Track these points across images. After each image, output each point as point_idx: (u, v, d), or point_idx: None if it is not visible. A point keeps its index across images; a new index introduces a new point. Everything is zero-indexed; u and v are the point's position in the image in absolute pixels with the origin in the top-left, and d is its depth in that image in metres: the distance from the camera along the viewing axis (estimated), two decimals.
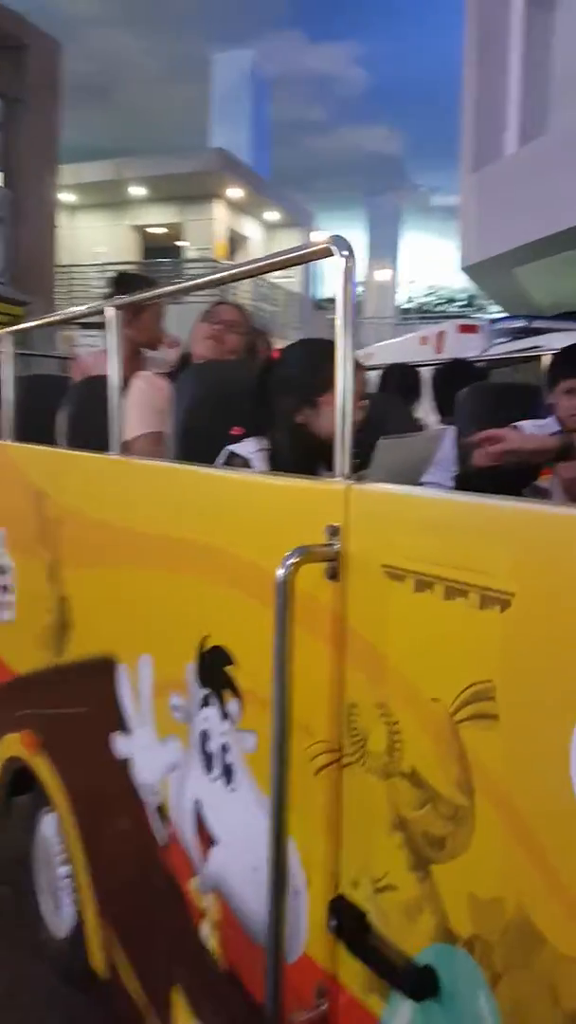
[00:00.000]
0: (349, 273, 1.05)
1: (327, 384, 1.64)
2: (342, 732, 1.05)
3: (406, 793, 0.95)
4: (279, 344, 2.26)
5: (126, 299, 1.76)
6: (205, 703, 1.39)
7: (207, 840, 1.41)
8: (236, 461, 1.64)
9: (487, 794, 0.84)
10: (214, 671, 1.35)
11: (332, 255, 1.07)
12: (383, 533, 0.98)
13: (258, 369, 1.75)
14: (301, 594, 1.03)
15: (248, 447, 1.65)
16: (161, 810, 1.58)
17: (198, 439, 1.74)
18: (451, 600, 0.87)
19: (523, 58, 5.73)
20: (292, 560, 1.01)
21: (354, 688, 1.03)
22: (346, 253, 1.05)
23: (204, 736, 1.40)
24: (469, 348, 4.94)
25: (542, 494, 2.28)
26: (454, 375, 3.39)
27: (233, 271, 1.43)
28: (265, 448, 1.66)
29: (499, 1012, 0.84)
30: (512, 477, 2.07)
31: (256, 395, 1.70)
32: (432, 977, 0.92)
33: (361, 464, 1.73)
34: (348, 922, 1.04)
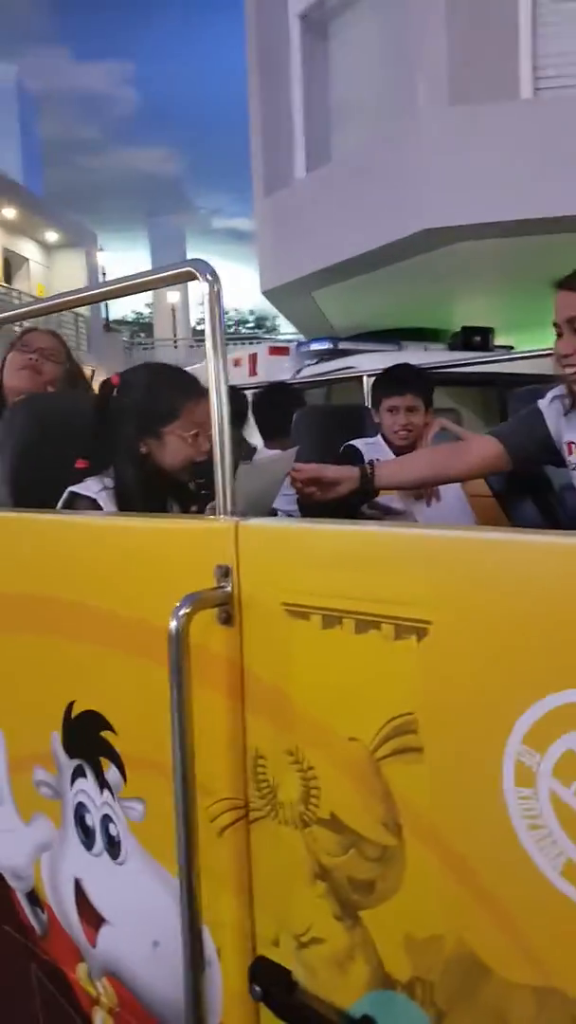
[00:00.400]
0: (216, 297, 1.02)
1: (172, 413, 1.59)
2: (247, 786, 1.00)
3: (326, 840, 0.91)
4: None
5: None
6: (78, 774, 1.28)
7: (94, 921, 1.29)
8: (80, 503, 1.54)
9: (416, 831, 0.82)
10: (86, 738, 1.25)
11: (195, 279, 1.03)
12: (280, 570, 0.94)
13: (95, 396, 1.65)
14: (192, 643, 0.97)
15: (91, 486, 1.55)
16: (33, 896, 1.43)
17: (34, 482, 1.61)
18: (363, 634, 0.85)
19: (304, 86, 5.98)
20: (184, 609, 0.94)
21: (258, 738, 0.98)
22: (210, 277, 1.02)
23: (80, 810, 1.28)
24: (281, 370, 5.03)
25: (383, 509, 2.35)
26: (274, 398, 3.44)
27: (81, 295, 1.34)
28: (108, 487, 1.56)
29: None
30: (349, 498, 2.10)
31: (95, 425, 1.60)
32: None
33: (209, 496, 1.69)
34: (272, 985, 0.98)
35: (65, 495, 1.55)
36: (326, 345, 4.64)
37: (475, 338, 4.62)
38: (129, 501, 1.55)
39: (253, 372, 5.20)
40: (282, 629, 0.93)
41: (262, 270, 6.35)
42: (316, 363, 4.94)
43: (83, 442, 1.64)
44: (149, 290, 1.15)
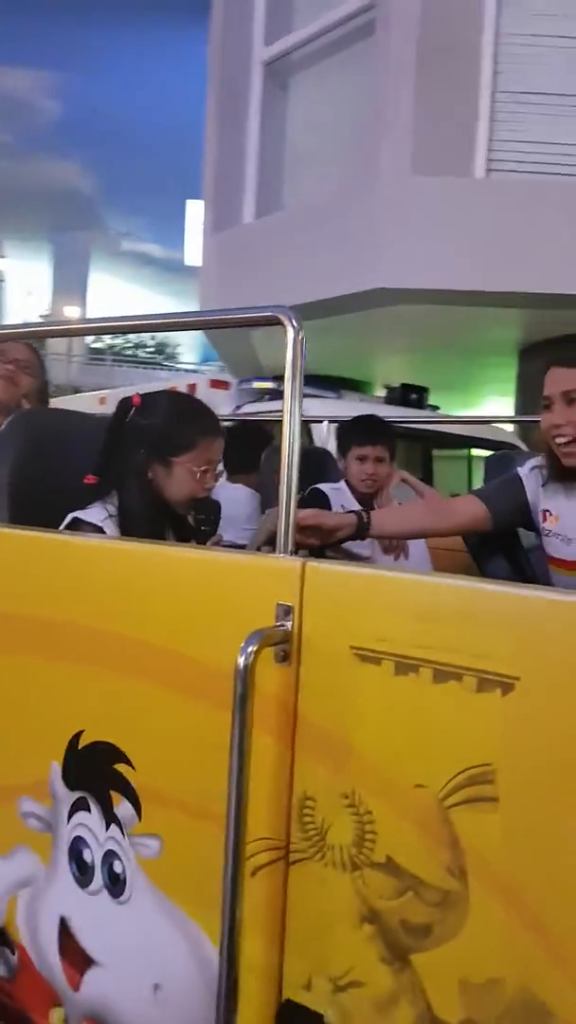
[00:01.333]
0: (300, 344, 1.05)
1: (188, 446, 1.59)
2: (291, 827, 1.00)
3: (379, 884, 0.93)
4: None
5: None
6: (79, 807, 1.24)
7: (80, 963, 1.24)
8: (84, 529, 1.51)
9: (483, 877, 0.85)
10: (95, 770, 1.21)
11: (280, 324, 1.06)
12: (350, 614, 0.96)
13: (112, 414, 1.63)
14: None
15: (96, 513, 1.52)
16: (1, 935, 1.36)
17: (32, 498, 1.57)
18: (442, 683, 0.88)
19: (260, 132, 6.12)
20: (252, 646, 0.95)
21: (308, 780, 0.99)
22: (296, 324, 1.05)
23: (78, 844, 1.24)
24: (220, 405, 5.05)
25: (345, 553, 2.40)
26: (243, 433, 3.49)
27: (146, 322, 1.34)
28: (112, 514, 1.54)
29: None
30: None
31: (108, 442, 1.58)
32: None
33: (209, 532, 1.69)
34: None
35: (68, 519, 1.51)
36: (268, 384, 4.70)
37: (412, 395, 4.81)
38: (132, 525, 1.54)
39: None
40: (347, 672, 0.95)
41: (203, 303, 6.40)
42: (255, 401, 5.00)
43: (82, 460, 1.61)
44: (227, 327, 1.16)
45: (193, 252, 25.58)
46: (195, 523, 1.62)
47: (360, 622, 0.96)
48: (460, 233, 4.80)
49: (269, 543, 1.74)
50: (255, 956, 1.02)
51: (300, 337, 1.07)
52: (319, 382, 5.37)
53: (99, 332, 1.47)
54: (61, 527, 1.51)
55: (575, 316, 5.43)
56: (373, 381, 9.37)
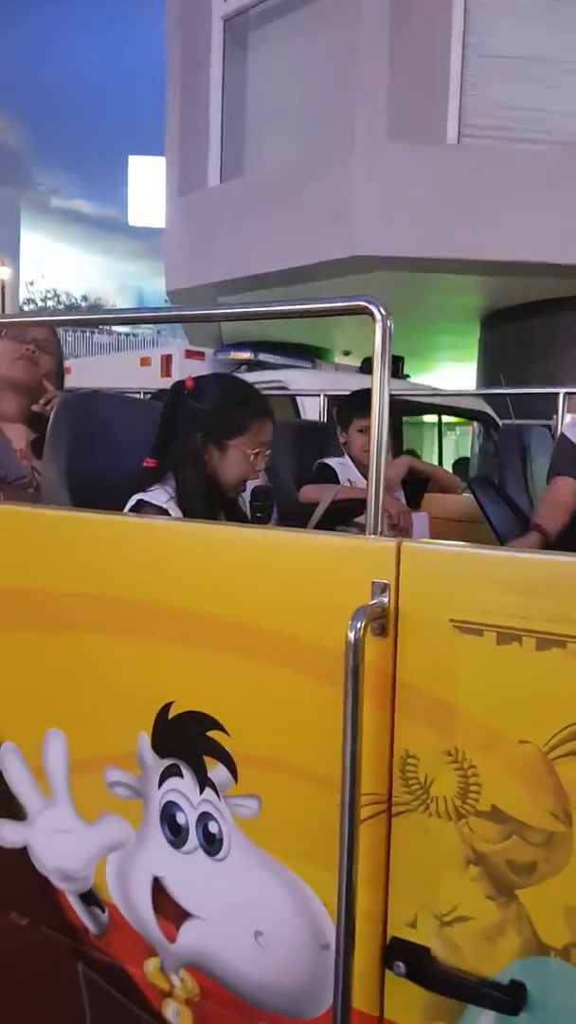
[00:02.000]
0: (388, 333, 1.12)
1: (241, 428, 1.64)
2: (393, 783, 1.10)
3: (484, 830, 1.03)
4: None
5: None
6: (170, 774, 1.32)
7: (175, 916, 1.34)
8: (148, 510, 1.57)
9: None
10: (187, 738, 1.29)
11: (369, 314, 1.13)
12: (447, 590, 1.05)
13: (167, 397, 1.68)
14: (339, 652, 1.05)
15: (159, 496, 1.58)
16: (90, 896, 1.44)
17: (91, 486, 1.61)
18: (545, 651, 0.98)
19: (222, 93, 6.04)
20: (360, 622, 1.03)
21: (410, 740, 1.09)
22: (383, 313, 1.12)
23: (170, 808, 1.32)
24: (195, 375, 5.06)
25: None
26: None
27: (238, 311, 1.39)
28: (173, 496, 1.60)
29: None
30: (336, 516, 2.24)
31: (163, 425, 1.63)
32: (521, 989, 1.01)
33: (264, 519, 1.76)
34: (411, 959, 1.09)
35: (133, 501, 1.57)
36: (246, 354, 4.72)
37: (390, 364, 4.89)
38: (190, 507, 1.60)
39: (167, 374, 5.18)
40: (448, 643, 1.05)
41: (168, 269, 6.34)
42: (232, 372, 5.02)
43: (130, 443, 1.66)
44: (321, 316, 1.21)
45: (137, 211, 25.02)
46: (251, 509, 1.69)
47: (459, 597, 1.05)
48: (435, 200, 4.86)
49: (329, 521, 1.82)
50: (361, 899, 1.13)
51: (389, 325, 1.14)
52: (280, 350, 5.41)
53: (173, 320, 1.50)
54: (126, 509, 1.56)
55: (539, 284, 5.58)
56: (332, 348, 9.43)
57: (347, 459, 2.72)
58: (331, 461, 2.67)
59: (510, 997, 1.01)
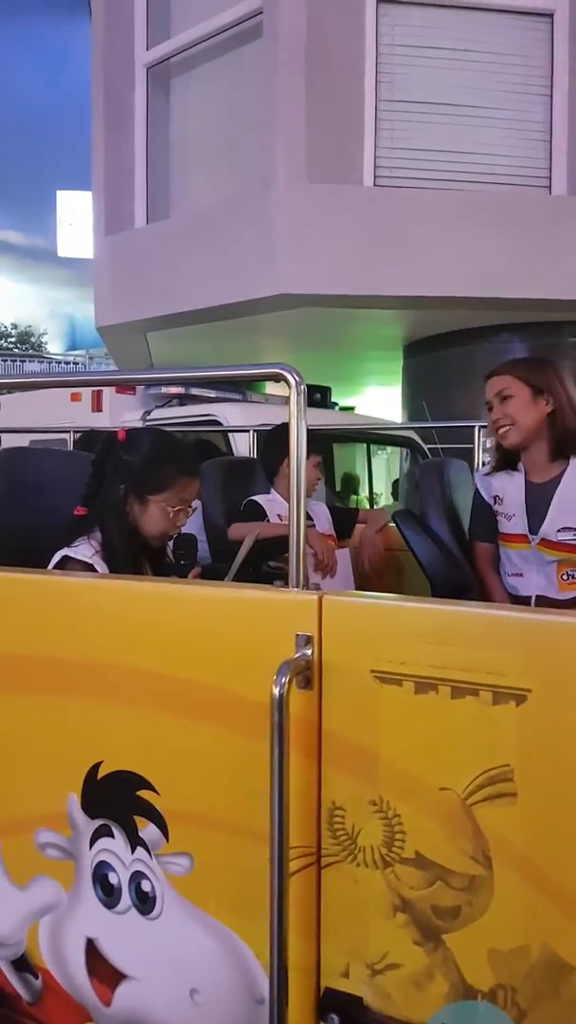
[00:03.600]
0: (301, 398, 1.16)
1: (163, 486, 1.66)
2: (321, 835, 1.12)
3: (409, 877, 1.06)
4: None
5: None
6: (101, 834, 1.31)
7: (110, 978, 1.32)
8: (73, 566, 1.56)
9: (505, 861, 1.00)
10: (116, 798, 1.29)
11: (283, 380, 1.17)
12: (368, 641, 1.09)
13: (99, 448, 1.69)
14: (265, 704, 1.07)
15: (84, 551, 1.58)
16: (22, 962, 1.41)
17: (13, 539, 1.60)
18: (460, 699, 1.02)
19: (147, 137, 6.09)
20: (284, 677, 1.06)
21: (336, 790, 1.11)
22: (297, 379, 1.16)
23: (102, 869, 1.31)
24: (127, 409, 5.05)
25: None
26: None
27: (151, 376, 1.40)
28: (99, 550, 1.60)
29: None
30: (265, 552, 2.28)
31: (93, 474, 1.64)
32: None
33: (188, 566, 1.78)
34: (345, 1010, 1.10)
35: (57, 558, 1.56)
36: (177, 388, 4.74)
37: (316, 395, 4.99)
38: (113, 558, 1.60)
39: (97, 408, 5.16)
40: (369, 693, 1.08)
41: (98, 306, 6.33)
42: (163, 405, 5.02)
43: (60, 495, 1.66)
44: (234, 380, 1.23)
45: (66, 243, 24.96)
46: (174, 558, 1.70)
47: (379, 647, 1.09)
48: (354, 239, 4.99)
49: (248, 565, 1.84)
50: (293, 952, 1.14)
51: (302, 390, 1.18)
52: (213, 384, 5.44)
53: (105, 384, 1.50)
54: (51, 565, 1.56)
55: (455, 316, 5.79)
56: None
57: (275, 495, 2.75)
58: (259, 499, 2.71)
59: None
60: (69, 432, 4.42)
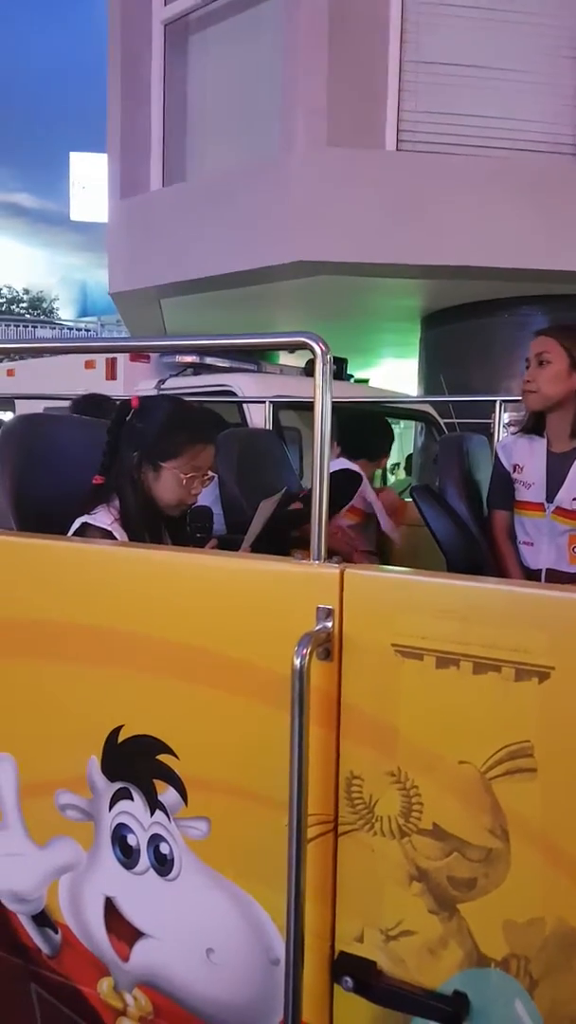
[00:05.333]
0: (327, 367, 1.15)
1: (175, 452, 1.65)
2: (339, 804, 1.13)
3: (426, 847, 1.08)
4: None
5: None
6: (120, 797, 1.33)
7: (128, 936, 1.35)
8: (93, 533, 1.57)
9: (523, 835, 1.01)
10: (137, 762, 1.31)
11: (309, 348, 1.16)
12: (390, 615, 1.09)
13: (113, 416, 1.68)
14: (285, 675, 1.08)
15: (103, 518, 1.58)
16: (42, 917, 1.45)
17: (36, 507, 1.61)
18: (482, 675, 1.02)
19: (164, 97, 5.99)
20: (306, 648, 1.06)
21: (355, 761, 1.12)
22: (324, 348, 1.15)
23: (121, 831, 1.34)
24: (141, 378, 5.03)
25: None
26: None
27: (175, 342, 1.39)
28: (117, 517, 1.61)
29: (539, 1010, 1.02)
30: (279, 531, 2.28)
31: (109, 442, 1.64)
32: (464, 999, 1.06)
33: (205, 539, 1.78)
34: (358, 973, 1.13)
35: (77, 524, 1.57)
36: (191, 357, 4.71)
37: (333, 367, 4.94)
38: (131, 527, 1.61)
39: (111, 377, 5.14)
40: (390, 666, 1.09)
41: (112, 272, 6.27)
42: (177, 374, 5.00)
43: (79, 463, 1.66)
44: (261, 349, 1.22)
45: (79, 207, 24.67)
46: (191, 531, 1.71)
47: (400, 622, 1.09)
48: (374, 205, 4.92)
49: (265, 538, 1.85)
50: (309, 916, 1.16)
51: (329, 359, 1.17)
52: (228, 353, 5.39)
53: (125, 351, 1.49)
54: (70, 532, 1.56)
55: (475, 287, 5.71)
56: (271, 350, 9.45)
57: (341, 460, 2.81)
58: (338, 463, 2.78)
59: (453, 1008, 1.06)
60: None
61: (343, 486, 2.84)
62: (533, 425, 2.32)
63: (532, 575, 2.27)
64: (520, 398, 2.28)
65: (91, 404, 3.26)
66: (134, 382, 4.98)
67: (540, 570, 2.28)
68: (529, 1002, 1.02)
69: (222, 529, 2.71)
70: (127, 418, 1.66)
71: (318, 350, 1.17)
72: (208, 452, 1.72)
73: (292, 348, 1.22)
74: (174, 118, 6.09)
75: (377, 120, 4.98)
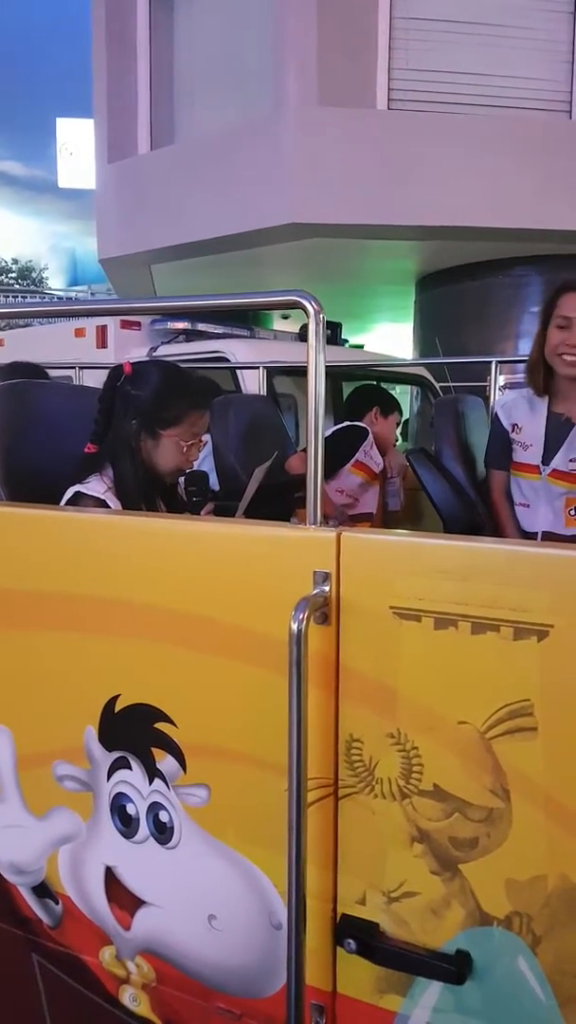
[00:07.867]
0: (320, 327, 1.11)
1: (176, 419, 1.62)
2: (339, 766, 1.12)
3: (427, 808, 1.06)
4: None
5: None
6: (119, 766, 1.32)
7: (129, 904, 1.35)
8: (86, 502, 1.54)
9: (524, 794, 1.00)
10: (134, 730, 1.29)
11: (301, 307, 1.12)
12: (387, 578, 1.07)
13: (104, 382, 1.64)
14: (283, 640, 1.06)
15: (96, 487, 1.55)
16: (42, 888, 1.45)
17: (26, 471, 1.58)
18: (480, 635, 1.00)
19: (150, 58, 5.85)
20: (302, 613, 1.04)
21: (354, 724, 1.11)
22: (316, 307, 1.11)
23: (120, 800, 1.33)
24: (132, 345, 4.96)
25: None
26: None
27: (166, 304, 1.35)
28: (111, 486, 1.58)
29: (541, 966, 1.01)
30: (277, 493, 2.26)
31: (101, 410, 1.60)
32: (467, 958, 1.06)
33: (201, 503, 1.75)
34: (361, 936, 1.12)
35: (70, 494, 1.54)
36: (183, 324, 4.65)
37: (327, 332, 4.88)
38: (127, 495, 1.58)
39: (102, 344, 5.07)
40: (388, 629, 1.07)
41: (101, 238, 6.17)
42: (169, 342, 4.93)
43: (70, 431, 1.63)
44: (253, 309, 1.19)
45: (67, 173, 24.22)
46: (187, 495, 1.68)
47: (398, 584, 1.07)
48: (367, 166, 4.82)
49: (258, 502, 1.82)
50: (311, 880, 1.15)
51: (321, 319, 1.13)
52: (220, 317, 5.32)
53: (116, 313, 1.45)
54: (63, 501, 1.54)
55: (470, 248, 5.62)
56: (270, 313, 9.35)
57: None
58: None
59: (456, 967, 1.05)
60: (74, 368, 4.36)
61: (349, 440, 2.83)
62: (544, 385, 2.24)
63: (528, 538, 2.24)
64: (521, 359, 2.23)
65: (16, 373, 3.17)
66: (125, 350, 4.91)
67: (536, 533, 2.25)
68: (532, 958, 1.02)
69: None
70: (119, 385, 1.62)
71: (311, 309, 1.13)
72: (205, 418, 1.70)
73: (284, 307, 1.18)
74: (161, 79, 5.96)
75: (368, 78, 4.87)
